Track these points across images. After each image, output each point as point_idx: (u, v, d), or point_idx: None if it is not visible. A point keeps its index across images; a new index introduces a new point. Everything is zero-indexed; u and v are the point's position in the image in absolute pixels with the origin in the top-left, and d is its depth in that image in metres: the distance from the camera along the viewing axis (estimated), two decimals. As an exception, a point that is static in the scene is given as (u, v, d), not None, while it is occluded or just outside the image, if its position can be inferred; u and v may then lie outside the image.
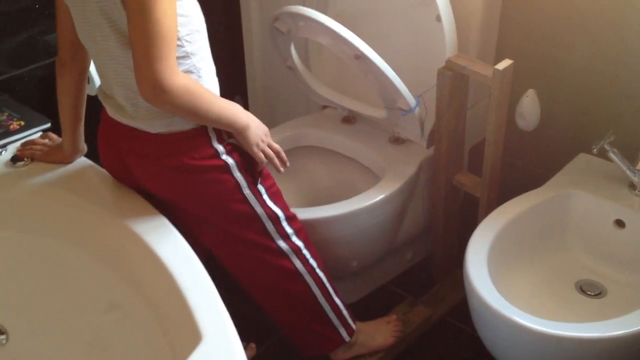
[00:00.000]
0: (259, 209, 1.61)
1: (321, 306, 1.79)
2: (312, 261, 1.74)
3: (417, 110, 1.98)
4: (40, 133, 1.80)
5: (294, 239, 1.69)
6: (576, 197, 1.90)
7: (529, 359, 1.62)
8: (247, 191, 1.57)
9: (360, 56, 1.89)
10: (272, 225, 1.64)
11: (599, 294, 1.82)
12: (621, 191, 1.88)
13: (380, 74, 1.92)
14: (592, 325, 1.56)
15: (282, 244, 1.67)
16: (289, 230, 1.68)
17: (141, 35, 1.29)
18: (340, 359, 1.95)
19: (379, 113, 2.09)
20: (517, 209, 1.85)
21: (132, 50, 1.33)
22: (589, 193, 1.89)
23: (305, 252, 1.72)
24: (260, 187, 1.60)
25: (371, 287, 2.21)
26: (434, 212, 2.16)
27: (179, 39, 1.38)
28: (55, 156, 1.70)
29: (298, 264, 1.71)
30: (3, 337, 1.65)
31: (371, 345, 1.96)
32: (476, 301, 1.64)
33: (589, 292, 1.82)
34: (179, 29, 1.37)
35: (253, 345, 2.01)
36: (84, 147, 1.71)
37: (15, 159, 1.70)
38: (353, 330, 1.89)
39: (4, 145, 1.75)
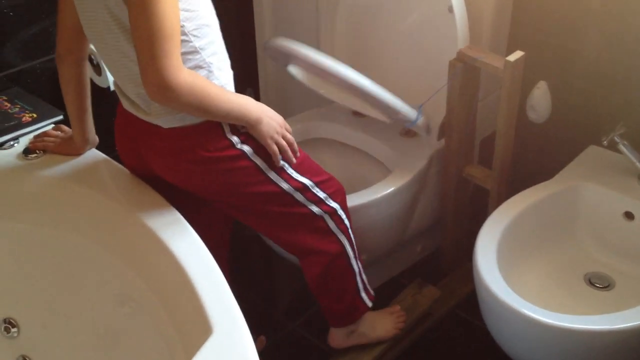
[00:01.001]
0: (284, 185, 1.60)
1: (352, 267, 1.80)
2: (346, 222, 1.75)
3: (420, 119, 1.98)
4: (53, 125, 1.81)
5: (329, 201, 1.69)
6: (586, 190, 1.90)
7: (537, 351, 1.62)
8: (269, 172, 1.57)
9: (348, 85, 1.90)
10: (301, 195, 1.64)
11: (608, 286, 1.82)
12: (631, 183, 1.88)
13: (372, 98, 1.93)
14: (600, 317, 1.56)
15: (314, 208, 1.67)
16: (321, 194, 1.67)
17: (143, 33, 1.29)
18: (337, 345, 1.95)
19: (384, 118, 2.09)
20: (526, 202, 1.85)
21: (135, 48, 1.32)
22: (599, 185, 1.89)
23: (340, 212, 1.72)
24: (283, 163, 1.59)
25: (381, 279, 2.22)
26: (444, 204, 2.16)
27: (185, 34, 1.38)
28: (67, 148, 1.70)
29: (332, 224, 1.71)
30: (15, 329, 1.67)
31: (371, 335, 1.95)
32: (485, 294, 1.64)
33: (598, 285, 1.82)
34: (185, 23, 1.36)
35: (263, 337, 2.02)
36: (95, 139, 1.72)
37: (27, 151, 1.71)
38: (373, 297, 1.89)
39: (17, 138, 1.76)
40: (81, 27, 1.50)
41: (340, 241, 1.75)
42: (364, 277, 1.85)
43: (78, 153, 1.70)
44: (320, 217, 1.69)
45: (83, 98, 1.63)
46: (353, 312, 1.88)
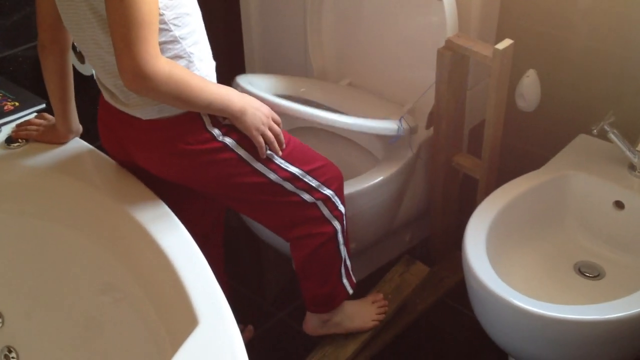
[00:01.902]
0: (272, 176, 1.57)
1: (340, 252, 1.78)
2: (341, 207, 1.73)
3: (401, 131, 1.96)
4: (35, 114, 1.79)
5: (322, 189, 1.67)
6: (575, 179, 1.89)
7: (527, 341, 1.61)
8: (255, 163, 1.54)
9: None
10: (291, 185, 1.61)
11: (598, 275, 1.82)
12: (621, 172, 1.87)
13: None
14: (590, 307, 1.55)
15: (306, 196, 1.65)
16: (313, 183, 1.64)
17: (118, 20, 1.26)
18: (312, 332, 1.93)
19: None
20: (516, 191, 1.85)
21: (111, 36, 1.29)
22: (589, 174, 1.88)
23: (335, 199, 1.70)
24: (271, 153, 1.56)
25: (370, 268, 2.21)
26: (432, 193, 2.15)
27: (164, 23, 1.35)
28: (50, 136, 1.68)
29: (325, 211, 1.69)
30: (-1, 320, 1.65)
31: (348, 326, 1.92)
32: (474, 283, 1.64)
33: (588, 274, 1.82)
34: (164, 12, 1.33)
35: (251, 327, 2.01)
36: (79, 128, 1.69)
37: (10, 140, 1.68)
38: (354, 284, 1.86)
39: (-1, 126, 1.74)
40: (59, 19, 1.47)
41: (334, 226, 1.73)
42: (348, 263, 1.83)
43: (61, 142, 1.68)
44: (313, 204, 1.67)
45: (66, 88, 1.60)
46: (333, 298, 1.85)
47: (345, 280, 1.84)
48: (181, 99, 1.36)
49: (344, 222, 1.76)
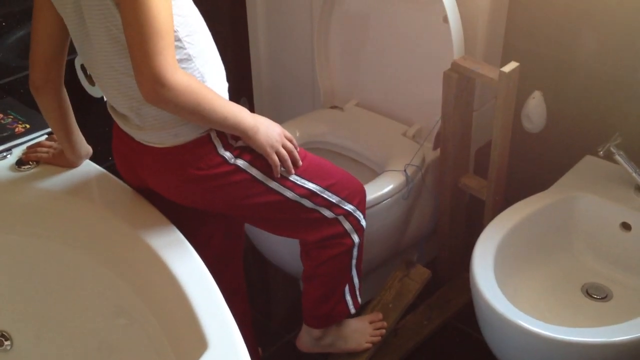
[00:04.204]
0: (289, 194, 1.56)
1: (351, 267, 1.76)
2: (363, 222, 1.72)
3: (411, 183, 1.98)
4: (46, 136, 1.80)
5: (343, 204, 1.65)
6: (582, 200, 1.89)
7: (535, 363, 1.62)
8: (269, 182, 1.53)
9: None
10: (309, 202, 1.59)
11: (605, 297, 1.82)
12: (627, 194, 1.87)
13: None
14: (598, 330, 1.55)
15: (326, 212, 1.63)
16: (333, 198, 1.63)
17: (136, 31, 1.25)
18: (305, 348, 1.90)
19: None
20: (523, 212, 1.85)
21: (128, 49, 1.28)
22: (595, 196, 1.89)
23: (357, 213, 1.69)
24: (285, 171, 1.55)
25: (376, 290, 2.20)
26: (440, 214, 2.15)
27: (179, 40, 1.35)
28: (61, 160, 1.68)
29: (347, 226, 1.68)
30: (8, 343, 1.65)
31: (341, 347, 1.90)
32: (482, 305, 1.64)
33: (595, 296, 1.82)
34: (177, 29, 1.34)
35: (259, 349, 2.01)
36: (88, 151, 1.69)
37: (20, 163, 1.69)
38: (359, 305, 1.84)
39: (9, 149, 1.75)
40: (57, 52, 1.48)
41: (352, 239, 1.72)
42: (356, 281, 1.81)
43: (72, 166, 1.68)
44: (334, 220, 1.66)
45: (67, 121, 1.59)
46: (334, 314, 1.83)
47: (348, 298, 1.81)
48: (198, 112, 1.35)
49: (363, 237, 1.74)
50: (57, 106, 1.56)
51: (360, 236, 1.73)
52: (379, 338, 1.95)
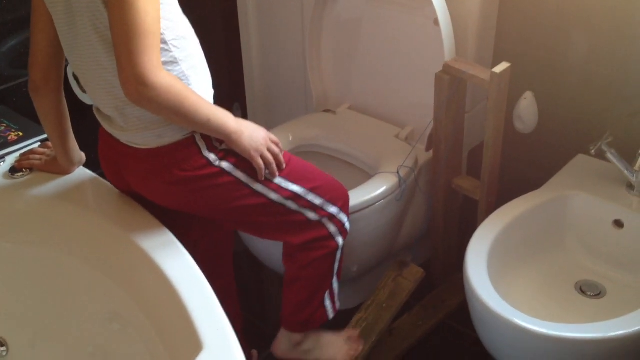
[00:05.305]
0: (273, 195, 1.57)
1: (333, 271, 1.76)
2: (347, 225, 1.72)
3: (404, 185, 1.99)
4: (39, 143, 1.80)
5: (327, 207, 1.66)
6: (575, 198, 1.90)
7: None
8: (254, 184, 1.54)
9: None
10: (293, 204, 1.60)
11: (599, 294, 1.82)
12: (619, 192, 1.88)
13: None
14: (592, 325, 1.56)
15: (310, 214, 1.64)
16: (317, 201, 1.63)
17: (122, 29, 1.26)
18: (281, 354, 1.88)
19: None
20: (516, 211, 1.86)
21: (114, 48, 1.29)
22: (588, 194, 1.89)
23: (341, 216, 1.70)
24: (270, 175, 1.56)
25: (370, 292, 2.21)
26: (433, 215, 2.16)
27: (165, 43, 1.36)
28: (54, 167, 1.69)
29: (332, 229, 1.69)
30: (3, 349, 1.65)
31: (317, 356, 1.87)
32: (477, 303, 1.64)
33: (589, 293, 1.82)
34: (164, 32, 1.35)
35: (255, 352, 2.01)
36: (81, 158, 1.70)
37: (14, 170, 1.70)
38: (337, 309, 1.83)
39: (3, 157, 1.75)
40: (56, 52, 1.48)
41: (337, 242, 1.72)
42: (335, 286, 1.80)
43: (65, 173, 1.69)
44: (318, 222, 1.66)
45: (63, 125, 1.60)
46: (313, 319, 1.81)
47: (328, 302, 1.81)
48: (181, 112, 1.35)
49: (345, 239, 1.75)
50: (55, 109, 1.56)
51: (344, 239, 1.74)
52: (354, 357, 1.90)
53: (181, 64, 1.40)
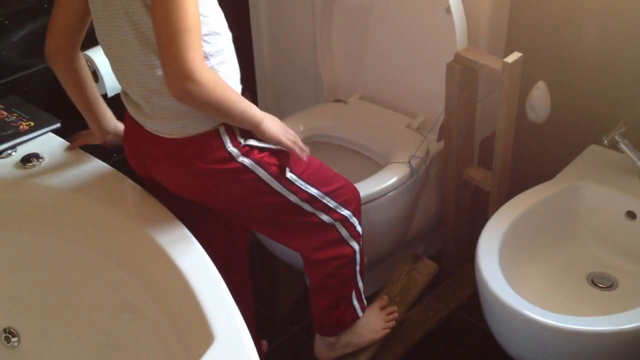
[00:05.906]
0: (292, 197, 1.58)
1: (355, 275, 1.78)
2: (359, 228, 1.73)
3: (415, 174, 1.98)
4: (50, 133, 1.80)
5: (340, 209, 1.67)
6: (587, 189, 1.89)
7: (540, 352, 1.62)
8: (275, 184, 1.55)
9: None
10: (309, 206, 1.62)
11: (611, 286, 1.82)
12: (632, 182, 1.87)
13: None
14: (604, 318, 1.56)
15: (324, 217, 1.65)
16: (331, 203, 1.65)
17: (168, 27, 1.28)
18: (325, 358, 1.90)
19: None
20: (527, 202, 1.85)
21: (158, 44, 1.31)
22: (600, 185, 1.88)
23: (353, 219, 1.71)
24: (292, 175, 1.57)
25: (382, 282, 2.21)
26: (444, 206, 2.15)
27: None
28: (90, 138, 1.70)
29: (344, 232, 1.70)
30: (15, 339, 1.66)
31: (358, 342, 1.89)
32: (488, 295, 1.64)
33: (601, 285, 1.82)
34: None
35: (265, 342, 2.02)
36: (116, 127, 1.67)
37: (25, 160, 1.70)
38: (365, 307, 1.86)
39: (14, 146, 1.75)
40: (75, 27, 1.50)
41: (352, 247, 1.73)
42: (360, 285, 1.82)
43: (100, 142, 1.69)
44: (331, 225, 1.67)
45: (86, 91, 1.60)
46: (343, 321, 1.84)
47: (355, 302, 1.83)
48: (222, 108, 1.38)
49: (361, 242, 1.76)
50: (70, 76, 1.57)
51: (359, 243, 1.75)
52: (394, 322, 1.95)
53: (211, 59, 1.41)
